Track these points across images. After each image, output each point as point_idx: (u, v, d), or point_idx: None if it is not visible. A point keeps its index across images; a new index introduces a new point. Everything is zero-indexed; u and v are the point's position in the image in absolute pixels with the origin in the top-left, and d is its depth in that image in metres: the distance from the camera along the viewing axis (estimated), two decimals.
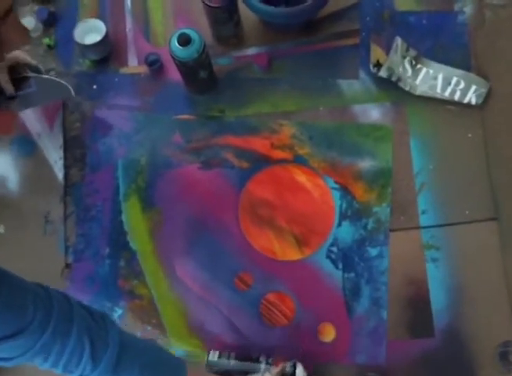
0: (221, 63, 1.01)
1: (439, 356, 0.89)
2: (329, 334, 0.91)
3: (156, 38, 1.04)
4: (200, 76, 0.93)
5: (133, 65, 1.03)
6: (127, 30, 1.05)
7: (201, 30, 0.88)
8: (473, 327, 0.90)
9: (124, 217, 0.97)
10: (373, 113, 0.97)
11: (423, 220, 0.93)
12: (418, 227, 0.93)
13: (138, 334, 0.92)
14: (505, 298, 0.90)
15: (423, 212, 0.93)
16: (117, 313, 0.93)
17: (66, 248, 0.97)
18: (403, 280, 0.92)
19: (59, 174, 0.99)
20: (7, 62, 1.00)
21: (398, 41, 0.96)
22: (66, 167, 1.00)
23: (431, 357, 0.89)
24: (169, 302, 0.93)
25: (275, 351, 0.90)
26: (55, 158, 1.00)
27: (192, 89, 1.00)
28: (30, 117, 1.02)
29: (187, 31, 0.85)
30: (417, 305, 0.91)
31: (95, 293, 0.94)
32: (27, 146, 1.01)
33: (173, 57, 0.87)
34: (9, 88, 1.02)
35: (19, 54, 1.02)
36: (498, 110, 0.95)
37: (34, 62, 1.03)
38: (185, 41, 0.85)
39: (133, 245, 0.96)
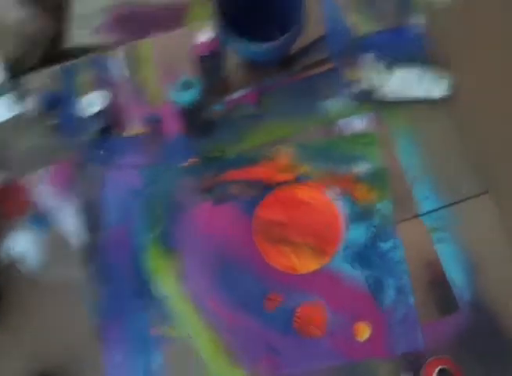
0: (215, 109, 1.10)
1: (472, 326, 0.93)
2: (364, 332, 0.94)
3: (153, 99, 1.13)
4: (201, 117, 1.00)
5: (135, 127, 1.11)
6: (125, 97, 1.13)
7: None
8: (495, 293, 0.95)
9: (146, 266, 1.00)
10: (357, 124, 1.07)
11: (423, 207, 1.00)
12: (419, 215, 1.00)
13: None
14: None
15: (421, 201, 1.01)
16: (156, 363, 0.94)
17: (93, 310, 0.98)
18: (419, 265, 0.97)
19: (77, 239, 1.03)
20: None
21: (367, 57, 1.10)
22: (84, 230, 1.04)
23: (465, 330, 0.93)
24: (204, 338, 0.95)
25: (314, 362, 0.92)
26: (71, 225, 1.04)
27: (194, 133, 1.07)
28: (42, 194, 1.07)
29: (186, 78, 0.95)
30: (438, 284, 0.96)
31: (128, 349, 0.96)
32: (42, 222, 1.05)
33: (176, 106, 0.95)
34: None
35: None
36: (464, 99, 1.07)
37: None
38: (185, 86, 0.94)
39: (160, 291, 0.99)
